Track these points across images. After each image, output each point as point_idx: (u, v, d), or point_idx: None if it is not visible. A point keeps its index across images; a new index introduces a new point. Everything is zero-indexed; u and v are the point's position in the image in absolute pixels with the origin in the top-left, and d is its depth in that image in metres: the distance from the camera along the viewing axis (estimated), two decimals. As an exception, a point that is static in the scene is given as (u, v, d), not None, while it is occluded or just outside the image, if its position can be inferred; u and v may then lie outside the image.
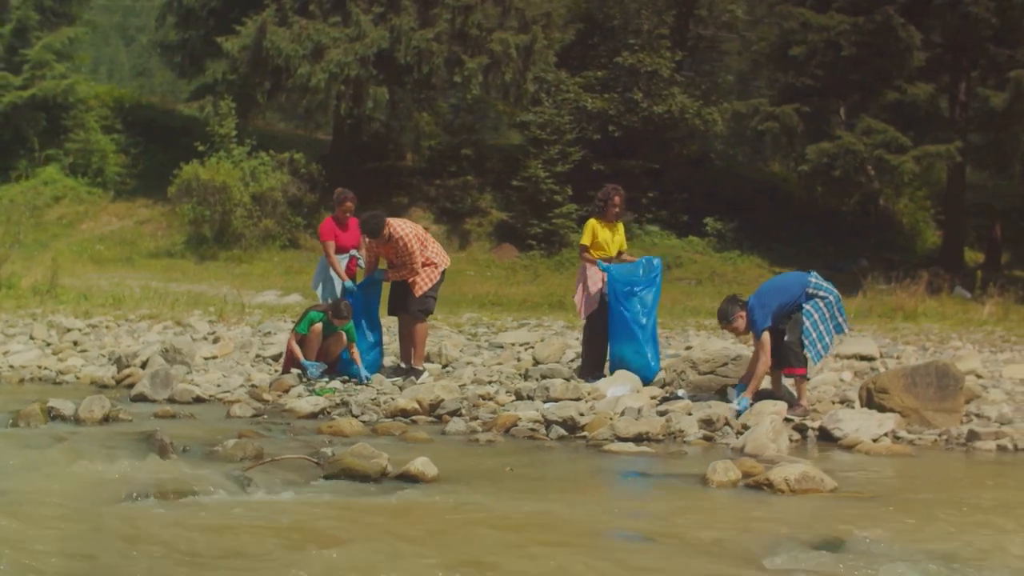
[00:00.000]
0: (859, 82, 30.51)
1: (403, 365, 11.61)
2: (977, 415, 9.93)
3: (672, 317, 19.63)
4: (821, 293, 9.74)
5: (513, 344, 13.65)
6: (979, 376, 11.77)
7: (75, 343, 13.36)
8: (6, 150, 31.39)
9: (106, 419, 8.82)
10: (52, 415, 8.86)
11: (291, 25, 29.61)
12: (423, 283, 11.41)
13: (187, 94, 35.66)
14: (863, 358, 12.84)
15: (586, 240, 11.35)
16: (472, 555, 4.92)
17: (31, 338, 13.57)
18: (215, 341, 13.42)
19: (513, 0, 31.62)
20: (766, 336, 9.64)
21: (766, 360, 9.67)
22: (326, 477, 6.83)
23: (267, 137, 32.77)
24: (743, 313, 9.88)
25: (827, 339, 9.75)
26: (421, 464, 6.87)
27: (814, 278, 9.85)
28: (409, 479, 6.80)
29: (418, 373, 11.35)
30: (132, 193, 32.48)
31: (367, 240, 11.52)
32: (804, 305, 9.71)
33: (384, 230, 11.16)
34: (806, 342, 9.66)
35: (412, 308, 11.38)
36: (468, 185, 33.59)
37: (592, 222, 11.38)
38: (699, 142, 35.97)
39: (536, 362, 12.15)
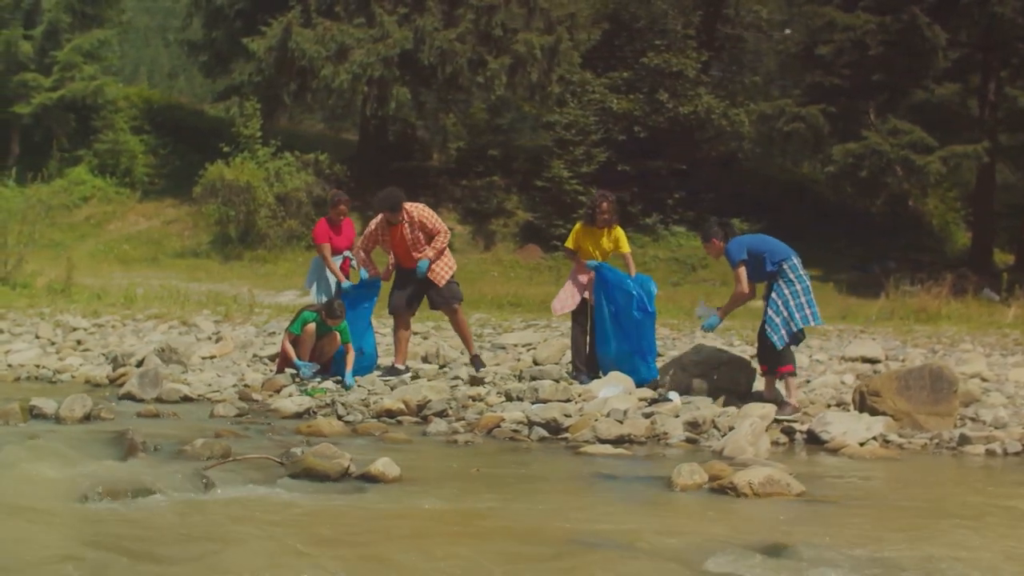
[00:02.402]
0: (886, 82, 30.20)
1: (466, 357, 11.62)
2: (972, 419, 9.80)
3: (691, 318, 19.48)
4: (792, 276, 9.69)
5: (515, 345, 13.59)
6: (984, 379, 11.61)
7: (78, 342, 13.43)
8: (36, 150, 31.65)
9: (87, 418, 8.87)
10: (34, 413, 8.93)
11: (315, 26, 29.69)
12: (443, 271, 11.25)
13: (215, 95, 35.87)
14: (867, 360, 12.68)
15: (569, 244, 11.38)
16: (378, 555, 4.89)
17: (36, 337, 13.66)
18: (218, 340, 13.44)
19: (538, 1, 31.55)
20: (742, 268, 9.73)
21: (742, 288, 9.79)
22: (288, 477, 6.82)
23: (294, 137, 32.90)
24: (720, 243, 9.99)
25: (792, 325, 9.64)
26: (382, 465, 6.84)
27: (796, 259, 9.81)
28: (369, 479, 6.78)
29: (481, 362, 11.29)
30: (160, 193, 32.71)
31: (373, 226, 11.29)
32: (771, 294, 9.70)
33: (403, 205, 11.02)
34: (768, 329, 9.62)
35: (448, 299, 11.24)
36: (494, 186, 33.55)
37: (577, 227, 11.36)
38: (727, 143, 35.71)
39: (536, 363, 12.10)
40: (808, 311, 9.68)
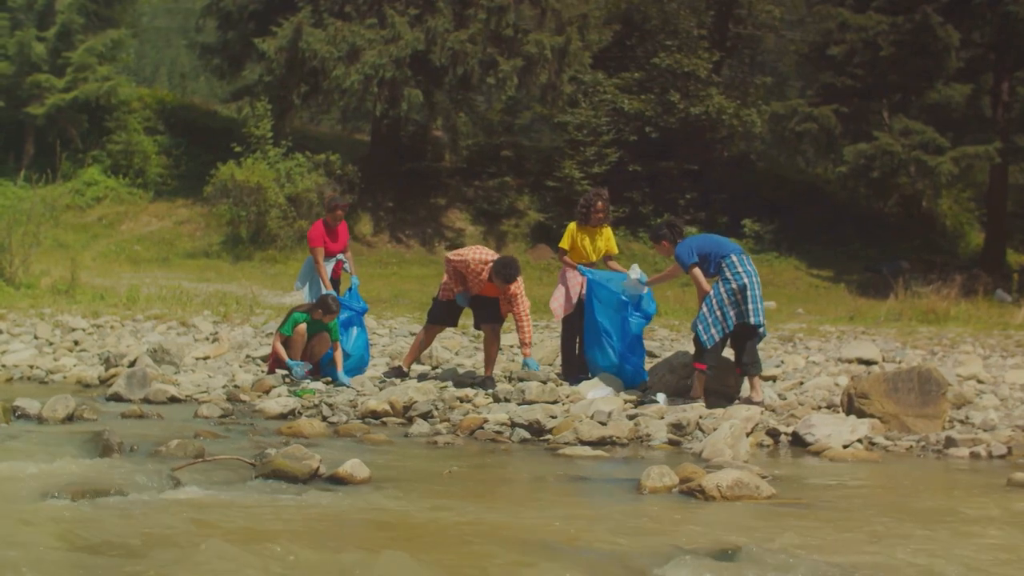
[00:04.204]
0: (898, 82, 30.09)
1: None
2: (961, 421, 9.77)
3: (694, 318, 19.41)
4: (729, 275, 9.82)
5: (511, 346, 13.55)
6: (980, 381, 11.54)
7: (76, 343, 13.45)
8: (50, 151, 31.73)
9: (70, 418, 8.88)
10: (17, 414, 8.95)
11: (327, 27, 29.71)
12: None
13: (227, 95, 35.92)
14: (863, 362, 12.61)
15: (564, 244, 11.24)
16: (317, 556, 4.90)
17: (35, 337, 13.69)
18: (215, 341, 13.46)
19: (550, 2, 31.51)
20: (696, 270, 9.94)
21: (704, 288, 9.96)
22: (258, 477, 6.83)
23: (306, 138, 32.93)
24: (669, 244, 10.32)
25: (722, 325, 9.78)
26: (350, 466, 6.85)
27: (736, 256, 9.98)
28: (337, 481, 6.79)
29: (493, 383, 10.85)
30: (172, 194, 32.77)
31: (472, 272, 10.76)
32: (710, 292, 9.89)
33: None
34: (700, 327, 9.83)
35: (494, 321, 10.98)
36: (506, 186, 33.53)
37: (571, 227, 11.26)
38: (739, 143, 35.59)
39: (530, 364, 12.08)
40: (743, 308, 9.71)
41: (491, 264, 10.64)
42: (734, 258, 9.87)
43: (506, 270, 10.56)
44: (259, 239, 29.13)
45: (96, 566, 4.91)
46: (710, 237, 10.55)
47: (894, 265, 28.70)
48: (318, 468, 6.87)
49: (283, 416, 9.69)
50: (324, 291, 11.83)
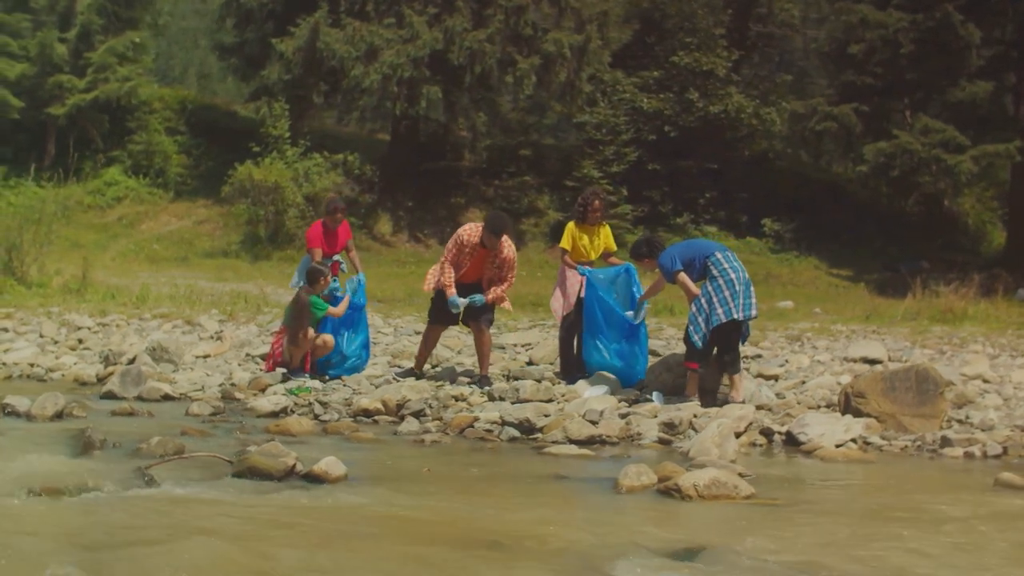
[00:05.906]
0: (919, 80, 29.85)
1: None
2: (960, 421, 9.63)
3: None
4: (715, 272, 9.73)
5: (514, 345, 13.51)
6: (986, 380, 11.40)
7: (79, 341, 13.48)
8: (71, 151, 31.98)
9: (59, 416, 8.90)
10: (6, 411, 8.99)
11: (344, 27, 29.78)
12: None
13: (246, 95, 36.06)
14: (869, 361, 12.48)
15: (565, 244, 11.16)
16: (269, 553, 4.88)
17: (40, 336, 13.74)
18: (218, 339, 13.47)
19: (569, 0, 31.48)
20: (682, 275, 9.83)
21: (693, 292, 9.83)
22: (234, 475, 6.81)
23: (326, 138, 33.01)
24: (652, 260, 10.20)
25: (712, 322, 9.66)
26: (325, 464, 6.83)
27: (721, 253, 9.89)
28: (312, 479, 6.77)
29: (489, 381, 10.87)
30: (192, 193, 32.95)
31: (455, 250, 10.78)
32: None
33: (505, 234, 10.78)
34: (690, 328, 9.75)
35: (480, 318, 10.95)
36: (526, 185, 33.51)
37: (570, 226, 11.21)
38: (760, 141, 35.38)
39: (530, 363, 12.04)
40: (732, 304, 9.60)
41: (481, 228, 10.69)
42: (718, 255, 9.79)
43: (496, 221, 10.69)
44: (277, 238, 29.24)
45: (59, 561, 4.89)
46: (691, 242, 10.58)
47: (914, 264, 28.49)
48: (294, 466, 6.85)
49: (275, 414, 9.68)
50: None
